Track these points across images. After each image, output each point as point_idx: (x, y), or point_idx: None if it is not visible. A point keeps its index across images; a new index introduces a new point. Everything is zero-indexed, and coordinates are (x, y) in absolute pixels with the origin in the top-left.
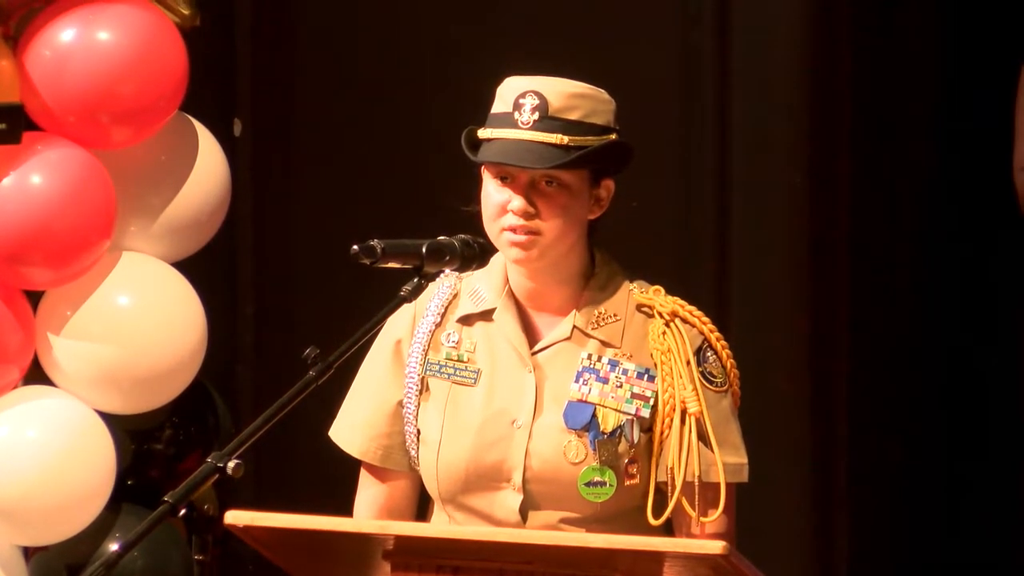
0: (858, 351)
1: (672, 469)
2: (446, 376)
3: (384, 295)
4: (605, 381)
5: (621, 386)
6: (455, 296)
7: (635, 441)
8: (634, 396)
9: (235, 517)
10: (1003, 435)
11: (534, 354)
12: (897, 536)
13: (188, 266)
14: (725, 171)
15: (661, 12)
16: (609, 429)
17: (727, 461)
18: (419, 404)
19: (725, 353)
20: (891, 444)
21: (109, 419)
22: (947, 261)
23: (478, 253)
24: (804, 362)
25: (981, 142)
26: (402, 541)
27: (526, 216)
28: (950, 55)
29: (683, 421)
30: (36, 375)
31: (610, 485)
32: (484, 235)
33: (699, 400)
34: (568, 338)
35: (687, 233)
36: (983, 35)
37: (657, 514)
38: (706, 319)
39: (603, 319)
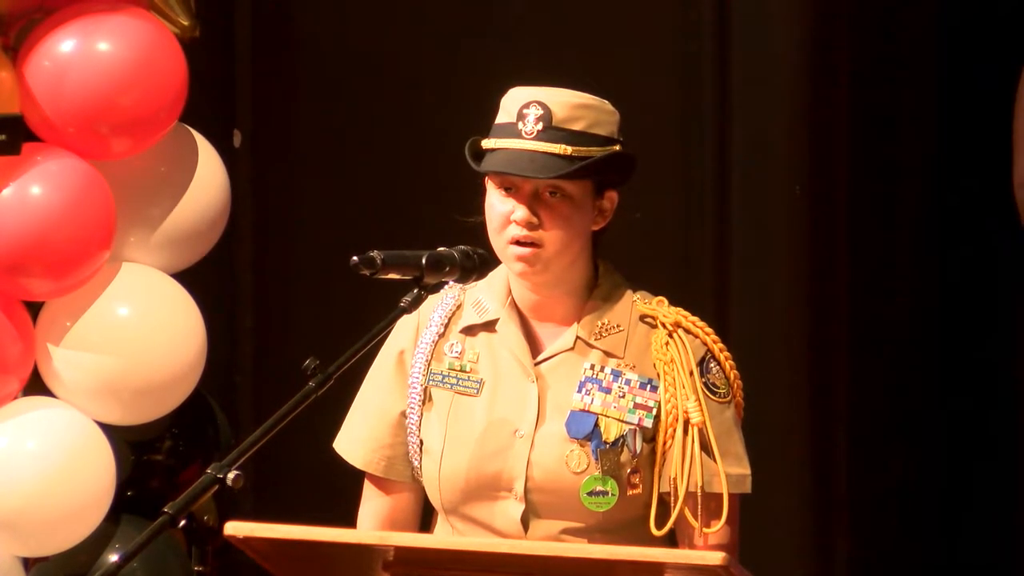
0: (858, 359)
1: (675, 479)
2: (449, 386)
3: (384, 306)
4: (608, 391)
5: (624, 396)
6: (459, 307)
7: (637, 451)
8: (637, 406)
9: (235, 528)
10: (1003, 440)
11: (537, 364)
12: (897, 544)
13: (188, 277)
14: (725, 180)
15: (660, 21)
16: (611, 439)
17: (730, 472)
18: (422, 414)
19: (728, 364)
20: (891, 450)
21: (109, 430)
22: (947, 265)
23: (478, 264)
24: (804, 371)
25: (981, 146)
26: (402, 552)
27: (529, 226)
28: (951, 61)
29: (686, 431)
30: (36, 386)
31: (612, 495)
32: (485, 246)
33: (702, 411)
34: (571, 348)
35: (687, 243)
36: (984, 39)
37: (660, 525)
38: (709, 330)
39: (606, 330)
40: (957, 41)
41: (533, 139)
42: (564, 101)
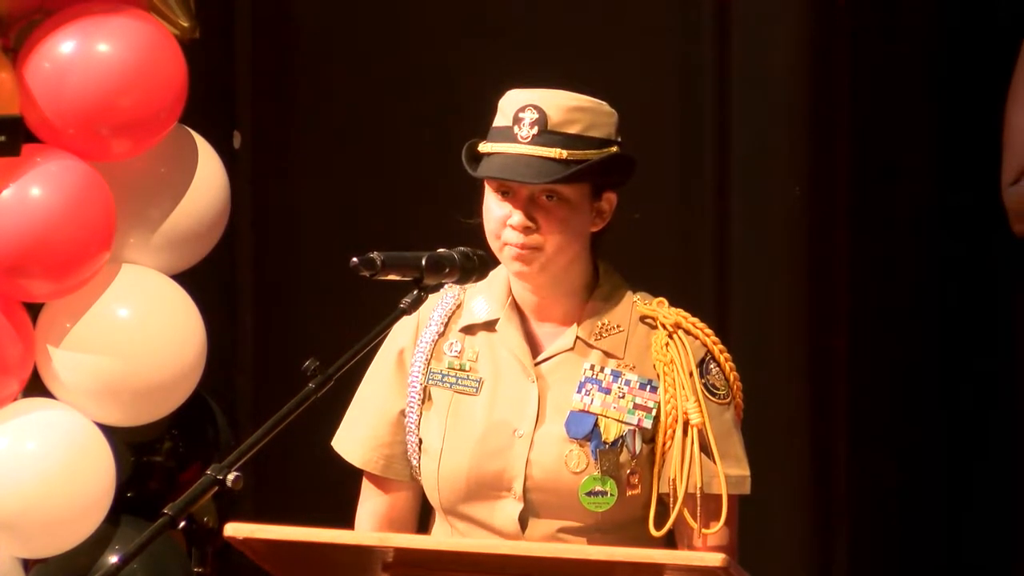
0: (858, 359)
1: (674, 480)
2: (448, 385)
3: (384, 307)
4: (607, 391)
5: (623, 397)
6: (459, 306)
7: (637, 451)
8: (636, 407)
9: (234, 529)
10: (1003, 443)
11: (537, 364)
12: (896, 546)
13: (187, 278)
14: (725, 181)
15: (660, 22)
16: (611, 439)
17: (729, 473)
18: (421, 413)
19: (728, 365)
20: (891, 450)
21: (109, 431)
22: (947, 266)
23: (478, 265)
24: (804, 371)
25: (981, 146)
26: (402, 553)
27: (526, 231)
28: (950, 62)
29: (685, 433)
30: (36, 387)
31: (611, 495)
32: (485, 247)
33: (701, 412)
34: (571, 349)
35: (687, 243)
36: (984, 39)
37: (659, 525)
38: (709, 331)
39: (606, 330)
40: (957, 41)
41: (529, 143)
42: (560, 104)
